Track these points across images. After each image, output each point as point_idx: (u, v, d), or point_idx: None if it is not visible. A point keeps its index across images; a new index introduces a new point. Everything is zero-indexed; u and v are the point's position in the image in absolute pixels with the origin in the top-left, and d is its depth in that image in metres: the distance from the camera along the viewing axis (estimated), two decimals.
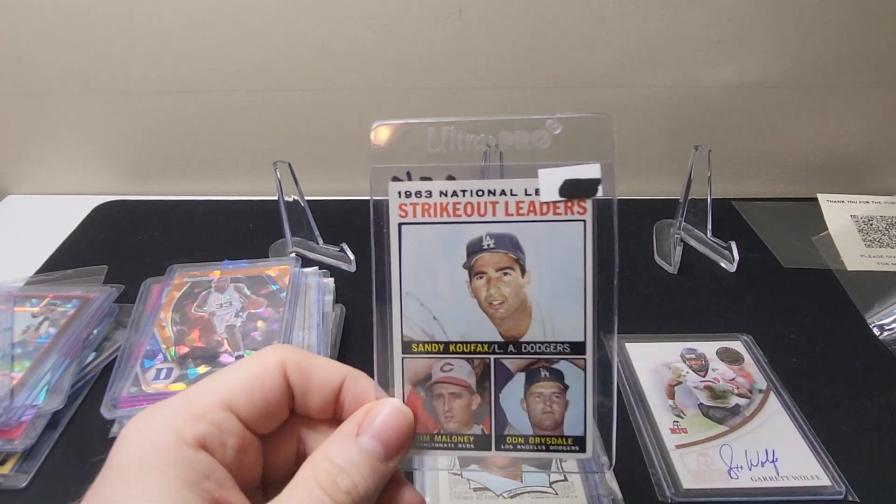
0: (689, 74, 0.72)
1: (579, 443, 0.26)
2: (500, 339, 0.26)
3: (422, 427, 0.26)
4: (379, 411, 0.24)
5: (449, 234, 0.26)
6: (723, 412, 0.48)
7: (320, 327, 0.50)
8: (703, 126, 0.76)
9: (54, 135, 0.77)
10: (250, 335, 0.48)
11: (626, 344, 0.55)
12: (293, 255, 0.63)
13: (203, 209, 0.74)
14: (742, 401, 0.49)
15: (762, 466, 0.43)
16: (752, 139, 0.77)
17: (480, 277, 0.26)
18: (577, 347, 0.26)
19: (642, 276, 0.64)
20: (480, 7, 0.67)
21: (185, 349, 0.47)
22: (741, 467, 0.43)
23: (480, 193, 0.25)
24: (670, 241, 0.68)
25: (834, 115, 0.75)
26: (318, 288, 0.54)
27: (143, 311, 0.52)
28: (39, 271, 0.64)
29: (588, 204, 0.25)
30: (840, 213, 0.72)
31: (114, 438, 0.42)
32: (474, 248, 0.26)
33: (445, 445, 0.26)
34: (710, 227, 0.66)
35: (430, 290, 0.26)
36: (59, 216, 0.73)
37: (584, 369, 0.26)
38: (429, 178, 0.26)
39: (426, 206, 0.25)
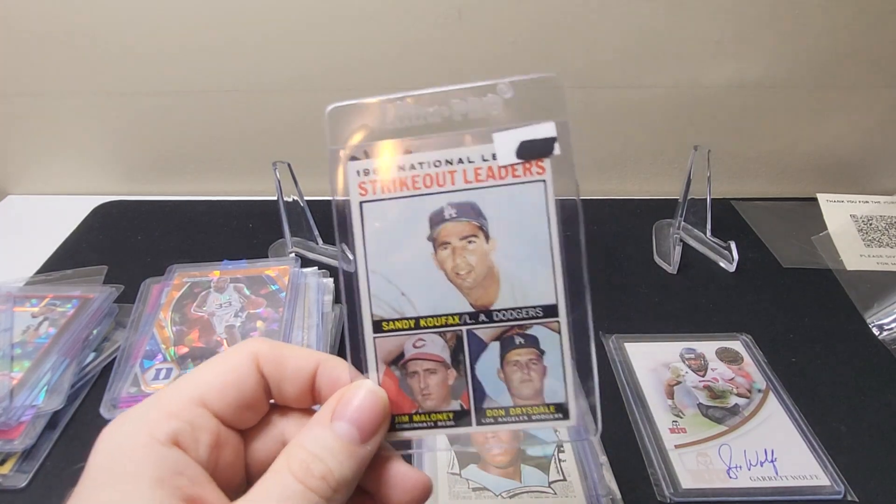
0: (690, 74, 0.72)
1: (562, 410, 0.26)
2: (470, 309, 0.25)
3: (399, 407, 0.25)
4: (353, 395, 0.24)
5: (410, 207, 0.25)
6: (722, 412, 0.48)
7: (320, 327, 0.50)
8: (703, 126, 0.76)
9: (54, 135, 0.77)
10: (250, 335, 0.48)
11: (626, 344, 0.54)
12: (293, 255, 0.63)
13: (203, 209, 0.74)
14: (741, 401, 0.49)
15: (761, 466, 0.43)
16: (751, 139, 0.77)
17: (445, 248, 0.25)
18: (550, 310, 0.25)
19: (641, 275, 0.64)
20: (480, 8, 0.67)
21: (185, 349, 0.47)
22: (740, 467, 0.43)
23: (438, 164, 0.25)
24: (670, 241, 0.68)
25: (834, 114, 0.75)
26: (318, 288, 0.54)
27: (142, 311, 0.52)
28: (39, 271, 0.64)
29: (546, 163, 0.25)
30: (839, 213, 0.72)
31: None
32: (437, 219, 0.25)
33: (425, 424, 0.26)
34: (709, 226, 0.66)
35: (397, 265, 0.25)
36: (58, 216, 0.73)
37: (560, 332, 0.25)
38: (386, 155, 0.25)
39: (386, 182, 0.25)
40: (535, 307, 0.25)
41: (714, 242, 0.67)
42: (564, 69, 0.71)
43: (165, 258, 0.62)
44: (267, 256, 0.65)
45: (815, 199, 0.73)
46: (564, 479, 0.42)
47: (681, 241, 0.66)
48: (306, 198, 0.63)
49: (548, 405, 0.25)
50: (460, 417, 0.26)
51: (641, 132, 0.77)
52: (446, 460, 0.43)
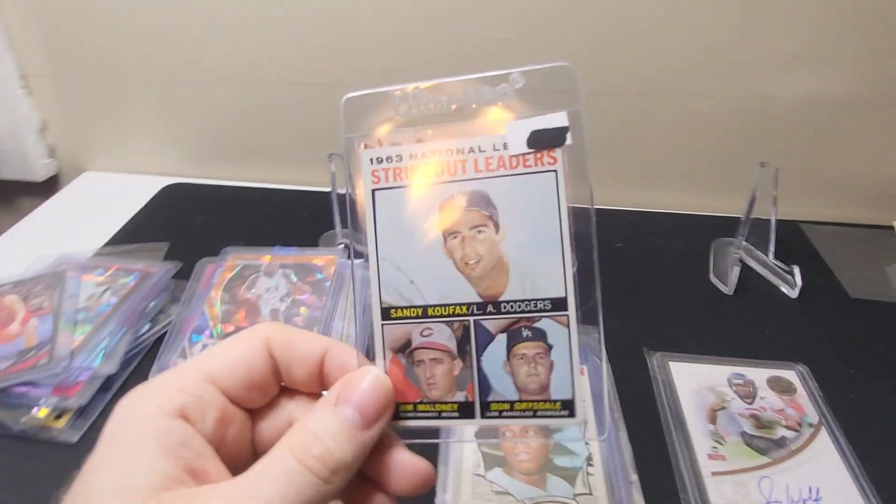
0: (761, 87, 0.69)
1: (568, 406, 0.25)
2: (478, 299, 0.25)
3: (403, 396, 0.25)
4: (358, 381, 0.24)
5: (422, 196, 0.25)
6: (767, 443, 0.45)
7: (360, 318, 0.51)
8: (774, 142, 0.72)
9: (130, 118, 0.81)
10: (292, 320, 0.49)
11: (670, 363, 0.53)
12: (341, 246, 0.64)
13: (261, 196, 0.77)
14: (789, 433, 0.46)
15: (803, 503, 0.41)
16: (825, 159, 0.73)
17: (455, 237, 0.25)
18: (559, 304, 0.25)
19: (695, 294, 0.62)
20: (544, 9, 0.66)
21: (231, 327, 0.49)
22: (780, 502, 0.41)
23: (450, 153, 0.25)
24: (728, 261, 0.65)
25: None
26: (362, 280, 0.55)
27: (196, 288, 0.54)
28: (107, 244, 0.68)
29: (558, 153, 0.24)
30: None
31: None
32: (448, 207, 0.25)
33: (429, 415, 0.25)
34: (772, 248, 0.63)
35: (407, 253, 0.25)
36: (129, 194, 0.77)
37: (568, 327, 0.25)
38: (399, 143, 0.26)
39: (397, 171, 0.25)
40: (543, 300, 0.25)
41: (776, 266, 0.63)
42: (627, 75, 0.70)
43: (222, 240, 0.65)
44: (317, 245, 0.67)
45: (893, 228, 0.69)
46: (590, 493, 0.41)
47: (740, 261, 0.63)
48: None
49: (554, 401, 0.25)
50: (464, 409, 0.25)
51: (707, 145, 0.74)
52: (473, 461, 0.43)
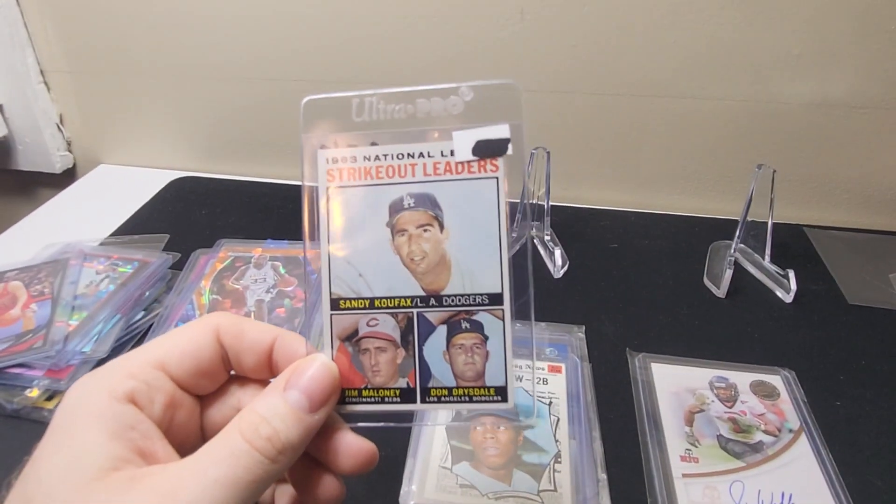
0: (764, 88, 0.68)
1: (501, 393, 0.27)
2: (422, 293, 0.27)
3: (349, 382, 0.27)
4: (306, 367, 0.25)
5: (373, 195, 0.27)
6: (743, 447, 0.45)
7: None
8: (778, 144, 0.71)
9: (143, 113, 0.84)
10: (276, 311, 0.51)
11: (652, 364, 0.52)
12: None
13: (264, 191, 0.79)
14: (767, 438, 0.45)
15: None
16: (832, 162, 0.71)
17: (402, 234, 0.27)
18: (495, 298, 0.27)
19: (686, 296, 0.61)
20: (543, 9, 0.66)
21: None
22: None
23: (401, 157, 0.27)
24: (724, 264, 0.64)
25: None
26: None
27: (187, 278, 0.56)
28: (114, 234, 0.70)
29: (499, 162, 0.27)
30: None
31: None
32: (396, 207, 0.27)
33: (372, 400, 0.27)
34: (768, 252, 0.62)
35: (357, 248, 0.27)
36: (139, 186, 0.80)
37: (503, 320, 0.27)
38: (354, 146, 0.27)
39: (351, 171, 0.27)
40: (481, 294, 0.27)
41: (772, 269, 0.62)
42: (627, 76, 0.69)
43: (221, 233, 0.66)
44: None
45: None
46: (555, 490, 0.41)
47: (734, 263, 0.62)
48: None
49: (488, 388, 0.27)
50: (406, 395, 0.27)
51: (707, 146, 0.73)
52: (441, 454, 0.43)
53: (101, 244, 0.66)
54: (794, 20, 0.63)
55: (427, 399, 0.27)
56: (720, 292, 0.61)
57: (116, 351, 0.52)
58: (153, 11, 0.75)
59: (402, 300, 0.27)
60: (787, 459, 0.44)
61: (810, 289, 0.61)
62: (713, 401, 0.49)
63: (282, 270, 0.55)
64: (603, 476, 0.42)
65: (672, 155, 0.74)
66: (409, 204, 0.27)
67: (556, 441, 0.44)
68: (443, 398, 0.27)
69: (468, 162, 0.27)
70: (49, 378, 0.48)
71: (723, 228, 0.70)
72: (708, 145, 0.73)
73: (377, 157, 0.27)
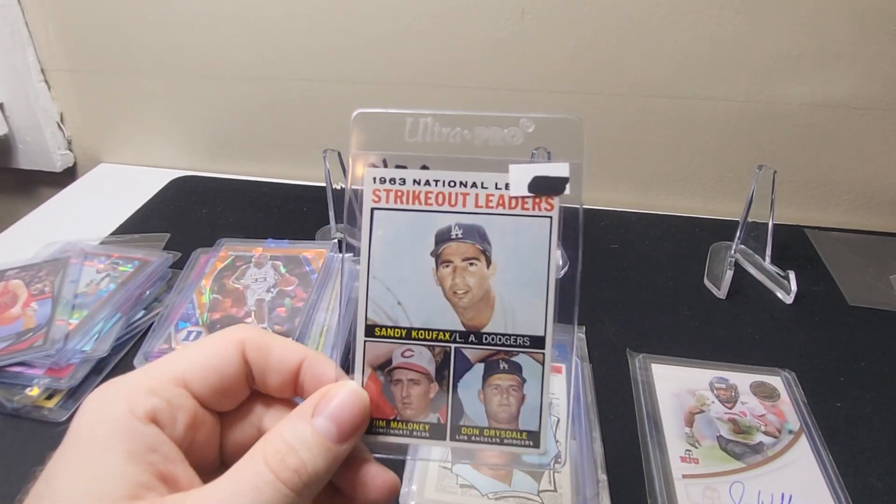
0: (765, 89, 0.68)
1: (533, 438, 0.26)
2: (461, 328, 0.26)
3: (379, 412, 0.26)
4: (336, 393, 0.24)
5: (419, 221, 0.26)
6: (743, 448, 0.45)
7: (343, 310, 0.52)
8: (779, 145, 0.71)
9: (143, 112, 0.84)
10: (276, 310, 0.50)
11: (653, 364, 0.52)
12: (336, 240, 0.65)
13: (264, 190, 0.79)
14: (768, 439, 0.45)
15: None
16: (833, 163, 0.71)
17: (447, 266, 0.26)
18: (537, 342, 0.26)
19: (686, 297, 0.61)
20: (543, 9, 0.66)
21: (217, 315, 0.51)
22: None
23: (452, 184, 0.26)
24: (724, 265, 0.64)
25: None
26: (350, 274, 0.56)
27: (188, 277, 0.56)
28: (115, 233, 0.70)
29: (555, 201, 0.26)
30: None
31: None
32: (443, 237, 0.26)
33: (401, 433, 0.26)
34: (769, 253, 0.62)
35: (397, 275, 0.26)
36: (140, 185, 0.80)
37: (543, 364, 0.26)
38: (404, 167, 0.26)
39: (399, 193, 0.26)
40: (523, 336, 0.26)
41: (773, 270, 0.62)
42: (627, 76, 0.69)
43: (222, 232, 0.66)
44: (314, 239, 0.68)
45: None
46: (555, 490, 0.41)
47: (734, 264, 0.62)
48: (354, 187, 0.65)
49: (521, 431, 0.26)
50: (436, 431, 0.26)
51: (707, 147, 0.73)
52: (441, 453, 0.43)
53: (102, 243, 0.66)
54: (795, 21, 0.63)
55: (457, 437, 0.26)
56: (721, 293, 0.61)
57: (117, 350, 0.52)
58: (154, 11, 0.75)
59: (441, 333, 0.26)
60: (787, 460, 0.44)
61: (811, 290, 0.61)
62: (713, 402, 0.49)
63: (282, 270, 0.55)
64: (603, 476, 0.42)
65: (672, 155, 0.74)
66: (456, 235, 0.26)
67: (557, 441, 0.44)
68: (473, 437, 0.26)
69: (523, 198, 0.26)
70: (49, 377, 0.48)
71: (723, 229, 0.70)
72: (708, 146, 0.73)
73: (427, 182, 0.26)
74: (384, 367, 0.26)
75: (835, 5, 0.62)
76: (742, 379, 0.51)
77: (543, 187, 0.26)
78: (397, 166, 0.26)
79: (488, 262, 0.26)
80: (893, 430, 0.47)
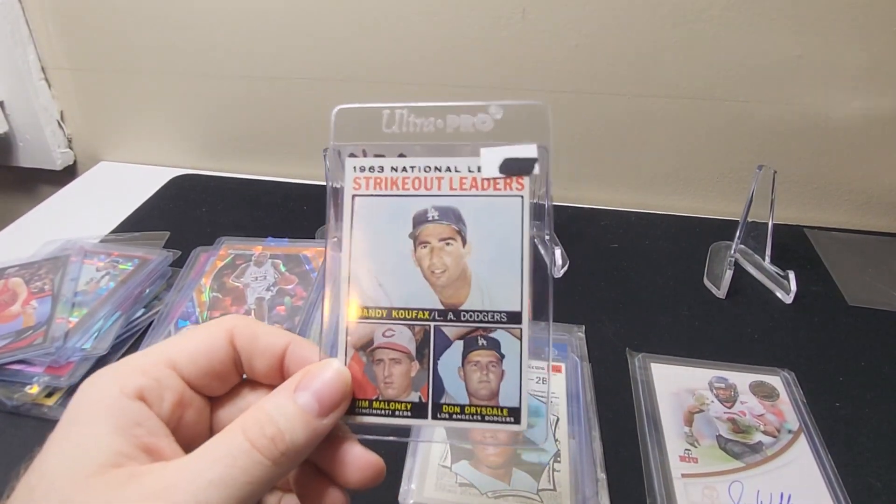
0: (765, 89, 0.68)
1: (514, 414, 0.26)
2: (440, 306, 0.27)
3: (361, 392, 0.27)
4: (319, 371, 0.25)
5: (398, 206, 0.27)
6: (742, 447, 0.45)
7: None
8: (779, 145, 0.71)
9: (143, 110, 0.84)
10: (276, 309, 0.51)
11: (652, 364, 0.52)
12: (335, 239, 0.65)
13: (265, 189, 0.79)
14: (767, 439, 0.45)
15: None
16: (833, 163, 0.71)
17: (424, 247, 0.27)
18: (514, 317, 0.27)
19: (686, 297, 0.61)
20: (544, 9, 0.66)
21: (217, 314, 0.51)
22: None
23: (428, 170, 0.27)
24: (724, 264, 0.64)
25: None
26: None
27: (188, 276, 0.56)
28: (115, 231, 0.70)
29: (525, 181, 0.27)
30: None
31: None
32: (420, 220, 0.27)
33: (383, 412, 0.27)
34: (769, 252, 0.62)
35: (378, 257, 0.27)
36: (140, 184, 0.80)
37: (520, 339, 0.27)
38: (382, 156, 0.28)
39: (378, 180, 0.27)
40: (500, 312, 0.27)
41: (772, 270, 0.62)
42: (628, 76, 0.69)
43: (222, 230, 0.66)
44: (314, 238, 0.68)
45: None
46: (554, 489, 0.41)
47: (734, 264, 0.62)
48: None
49: (501, 408, 0.26)
50: (417, 410, 0.27)
51: (707, 147, 0.73)
52: (440, 453, 0.43)
53: (102, 241, 0.66)
54: (796, 21, 0.63)
55: (438, 415, 0.26)
56: (720, 293, 0.61)
57: (116, 348, 0.52)
58: (154, 9, 0.75)
59: (420, 312, 0.27)
60: (786, 460, 0.44)
61: (810, 290, 0.61)
62: (713, 401, 0.49)
63: (282, 268, 0.55)
64: (602, 476, 0.42)
65: (673, 155, 0.74)
66: (433, 217, 0.27)
67: (556, 440, 0.44)
68: (454, 416, 0.26)
69: (494, 179, 0.27)
70: (49, 375, 0.48)
71: (723, 229, 0.70)
72: (708, 145, 0.73)
73: (404, 169, 0.27)
74: (366, 347, 0.27)
75: (836, 6, 0.62)
76: (741, 378, 0.51)
77: (513, 168, 0.27)
78: (376, 155, 0.28)
79: (464, 242, 0.27)
80: (892, 430, 0.47)
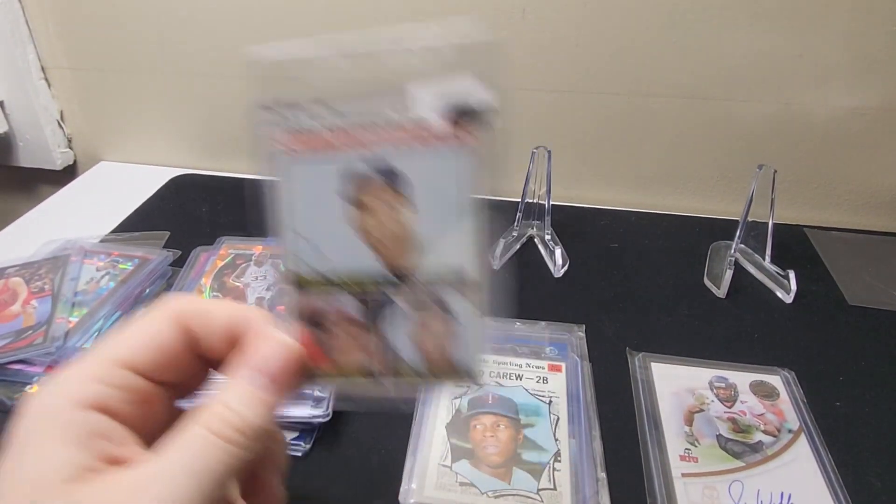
0: (765, 88, 0.68)
1: (466, 372, 0.26)
2: (386, 271, 0.25)
3: (312, 361, 0.26)
4: (267, 346, 0.24)
5: (331, 165, 0.24)
6: (742, 447, 0.45)
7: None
8: (779, 145, 0.71)
9: (144, 110, 0.84)
10: (276, 308, 0.51)
11: (652, 363, 0.52)
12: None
13: (266, 188, 0.79)
14: (767, 438, 0.45)
15: None
16: (833, 163, 0.71)
17: (364, 208, 0.24)
18: (462, 277, 0.25)
19: (686, 296, 0.61)
20: (544, 8, 0.66)
21: None
22: None
23: (363, 121, 0.23)
24: (724, 264, 0.64)
25: None
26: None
27: (188, 275, 0.56)
28: (115, 231, 0.70)
29: (479, 134, 0.23)
30: None
31: None
32: (355, 179, 0.24)
33: (336, 378, 0.26)
34: (769, 252, 0.62)
35: (317, 224, 0.25)
36: (140, 183, 0.80)
37: (470, 298, 0.25)
38: (306, 108, 0.24)
39: (310, 140, 0.24)
40: (448, 273, 0.25)
41: (772, 270, 0.62)
42: (628, 76, 0.69)
43: (222, 230, 0.66)
44: None
45: None
46: (554, 489, 0.41)
47: (734, 264, 0.62)
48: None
49: (453, 367, 0.26)
50: (369, 374, 0.26)
51: (707, 146, 0.73)
52: (440, 452, 0.43)
53: (102, 241, 0.66)
54: (796, 21, 0.63)
55: (391, 377, 0.26)
56: (720, 292, 0.61)
57: None
58: (154, 8, 0.75)
59: (366, 278, 0.25)
60: (786, 460, 0.44)
61: (810, 289, 0.61)
62: (713, 401, 0.49)
63: (282, 268, 0.55)
64: (602, 475, 0.42)
65: (672, 155, 0.74)
66: (369, 175, 0.24)
67: (556, 440, 0.44)
68: (407, 376, 0.26)
69: (440, 130, 0.23)
70: (49, 375, 0.48)
71: (723, 228, 0.70)
72: (708, 145, 0.73)
73: (339, 126, 0.24)
74: (314, 316, 0.26)
75: (836, 5, 0.62)
76: (741, 378, 0.51)
77: (463, 117, 0.23)
78: (308, 115, 0.24)
79: (406, 201, 0.24)
80: (893, 430, 0.47)
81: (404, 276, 0.25)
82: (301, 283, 0.26)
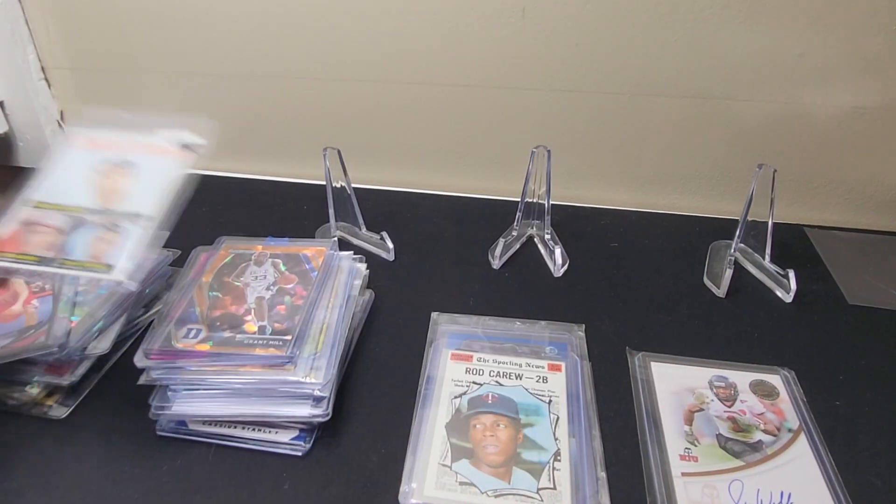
0: (766, 88, 0.68)
1: (110, 268, 0.44)
2: (94, 205, 0.48)
3: (10, 246, 0.45)
4: None
5: (97, 154, 0.51)
6: (742, 446, 0.45)
7: (343, 308, 0.52)
8: (779, 144, 0.71)
9: (143, 110, 0.83)
10: (276, 308, 0.50)
11: (652, 363, 0.52)
12: (335, 238, 0.65)
13: (265, 188, 0.79)
14: (767, 438, 0.46)
15: None
16: (833, 163, 0.71)
17: (102, 175, 0.50)
18: (137, 216, 0.47)
19: (686, 296, 0.61)
20: (544, 8, 0.66)
21: (217, 313, 0.50)
22: None
23: (122, 144, 0.53)
24: (724, 263, 0.64)
25: None
26: (350, 271, 0.56)
27: (188, 275, 0.56)
28: None
29: (190, 155, 0.51)
30: None
31: (144, 386, 0.46)
32: (107, 161, 0.51)
33: (13, 260, 0.45)
34: (769, 252, 0.62)
35: (68, 178, 0.50)
36: None
37: (136, 227, 0.47)
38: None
39: (101, 141, 0.52)
40: (133, 212, 0.47)
41: (772, 269, 0.62)
42: (628, 75, 0.69)
43: (222, 230, 0.66)
44: (314, 237, 0.68)
45: None
46: (554, 488, 0.41)
47: (734, 263, 0.62)
48: (355, 185, 0.65)
49: (104, 264, 0.44)
50: (43, 262, 0.45)
51: (707, 146, 0.73)
52: (440, 451, 0.43)
53: None
54: (797, 20, 0.63)
55: (53, 265, 0.45)
56: (720, 292, 0.61)
57: (117, 347, 0.53)
58: (154, 8, 0.75)
59: (77, 207, 0.48)
60: (786, 459, 0.44)
61: (810, 289, 0.62)
62: (713, 400, 0.49)
63: (282, 268, 0.55)
64: (602, 474, 0.42)
65: (672, 154, 0.74)
66: (115, 162, 0.51)
67: (556, 439, 0.44)
68: (70, 267, 0.45)
69: (171, 150, 0.51)
70: (50, 374, 0.48)
71: (723, 228, 0.70)
72: (708, 145, 0.73)
73: (113, 138, 0.54)
74: (29, 223, 0.47)
75: (836, 5, 0.62)
76: (741, 377, 0.51)
77: (187, 147, 0.51)
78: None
79: (135, 171, 0.50)
80: (892, 429, 0.47)
81: (105, 210, 0.47)
82: (34, 203, 0.49)
